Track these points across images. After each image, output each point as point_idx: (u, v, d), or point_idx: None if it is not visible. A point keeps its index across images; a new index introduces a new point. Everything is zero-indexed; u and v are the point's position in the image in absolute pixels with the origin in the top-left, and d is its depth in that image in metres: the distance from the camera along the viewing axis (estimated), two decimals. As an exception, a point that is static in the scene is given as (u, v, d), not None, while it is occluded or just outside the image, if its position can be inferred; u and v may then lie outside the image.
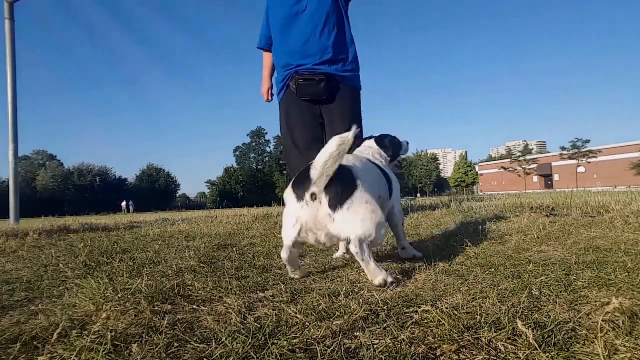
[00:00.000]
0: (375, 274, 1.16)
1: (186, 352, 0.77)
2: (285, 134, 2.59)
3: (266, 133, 62.79)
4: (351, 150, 1.65)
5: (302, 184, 1.16)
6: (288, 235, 1.19)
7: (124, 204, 35.97)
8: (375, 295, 1.07)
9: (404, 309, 0.95)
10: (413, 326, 0.84)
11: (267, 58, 2.72)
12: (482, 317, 0.85)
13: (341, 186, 1.15)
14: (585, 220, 2.36)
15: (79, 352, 0.76)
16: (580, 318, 0.84)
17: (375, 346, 0.75)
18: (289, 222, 1.19)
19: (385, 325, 0.85)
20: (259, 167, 61.72)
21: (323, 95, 2.44)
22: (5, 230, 3.58)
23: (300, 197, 1.16)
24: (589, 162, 45.99)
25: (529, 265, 1.31)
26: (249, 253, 1.83)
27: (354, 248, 1.13)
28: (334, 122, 2.50)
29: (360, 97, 2.62)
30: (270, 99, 2.76)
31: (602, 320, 0.78)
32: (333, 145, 1.08)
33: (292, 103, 2.52)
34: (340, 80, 2.49)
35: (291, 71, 2.47)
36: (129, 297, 1.09)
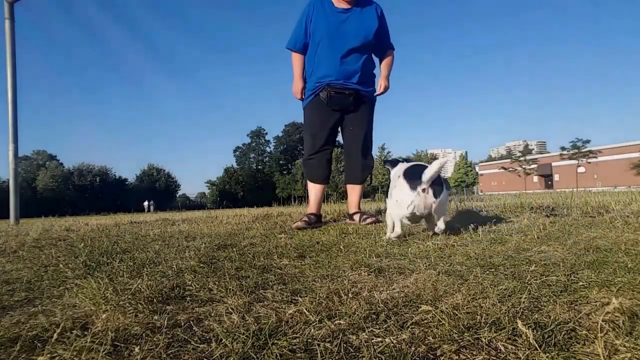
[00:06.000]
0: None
1: (186, 352, 0.77)
2: (307, 134, 2.99)
3: (266, 133, 62.86)
4: None
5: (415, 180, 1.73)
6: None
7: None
8: (376, 295, 1.07)
9: (404, 309, 0.95)
10: (413, 326, 0.84)
11: (299, 59, 2.99)
12: (482, 317, 0.85)
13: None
14: (585, 220, 2.35)
15: (79, 352, 0.76)
16: (580, 318, 0.84)
17: (376, 346, 0.75)
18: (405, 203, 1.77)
19: (385, 325, 0.85)
20: (259, 167, 61.74)
21: (351, 107, 2.89)
22: (5, 230, 3.58)
23: (413, 188, 1.74)
24: (589, 162, 46.01)
25: (529, 265, 1.31)
26: (249, 253, 1.83)
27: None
28: (354, 128, 2.95)
29: (374, 108, 3.06)
30: (302, 97, 3.03)
31: (602, 320, 0.78)
32: (437, 165, 1.69)
33: (318, 110, 2.91)
34: (364, 95, 2.93)
35: (323, 83, 2.85)
36: (129, 297, 1.09)
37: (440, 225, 1.85)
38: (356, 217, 2.98)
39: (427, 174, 1.69)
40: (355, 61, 2.85)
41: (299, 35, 2.91)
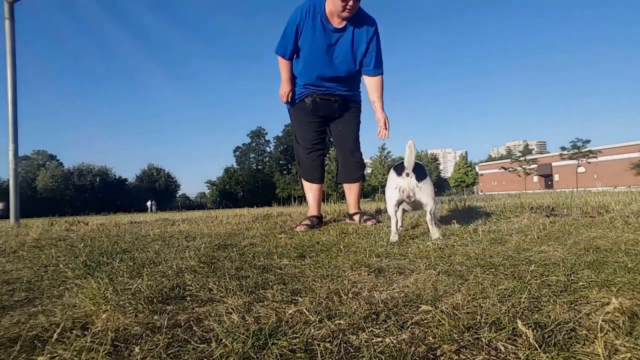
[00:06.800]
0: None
1: (186, 352, 0.77)
2: (295, 136, 3.04)
3: (266, 133, 62.83)
4: None
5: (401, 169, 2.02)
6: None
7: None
8: (376, 295, 1.07)
9: (404, 309, 0.95)
10: (413, 326, 0.84)
11: (286, 65, 2.86)
12: (482, 317, 0.85)
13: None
14: (585, 220, 2.35)
15: (79, 352, 0.76)
16: (580, 318, 0.84)
17: (376, 346, 0.75)
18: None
19: (385, 325, 0.85)
20: (259, 167, 61.71)
21: (336, 113, 2.89)
22: (5, 230, 3.58)
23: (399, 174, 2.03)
24: (589, 162, 46.01)
25: (529, 265, 1.31)
26: (249, 253, 1.83)
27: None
28: (342, 128, 2.97)
29: (361, 108, 3.04)
30: (289, 100, 2.93)
31: (602, 320, 0.78)
32: (407, 149, 1.95)
33: (304, 112, 2.91)
34: (350, 99, 2.93)
35: (309, 90, 2.82)
36: (129, 297, 1.09)
37: (434, 234, 2.01)
38: (356, 218, 2.97)
39: (406, 160, 1.99)
40: (341, 83, 2.83)
41: (288, 43, 2.76)
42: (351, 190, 3.05)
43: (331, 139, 3.16)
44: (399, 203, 2.09)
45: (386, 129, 2.77)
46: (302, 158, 2.99)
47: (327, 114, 2.89)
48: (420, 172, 2.02)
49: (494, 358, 0.69)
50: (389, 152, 52.45)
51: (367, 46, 2.71)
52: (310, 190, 3.00)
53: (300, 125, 2.95)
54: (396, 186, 2.04)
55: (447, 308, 0.91)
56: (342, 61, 2.73)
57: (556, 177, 54.30)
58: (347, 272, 1.37)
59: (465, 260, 1.47)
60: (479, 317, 0.85)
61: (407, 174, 2.00)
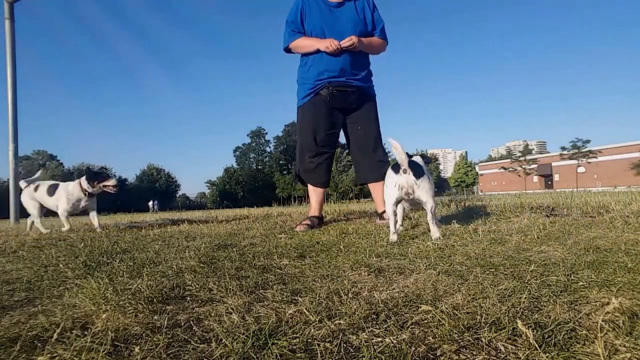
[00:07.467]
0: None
1: (186, 352, 0.77)
2: (306, 134, 2.91)
3: (266, 133, 62.92)
4: None
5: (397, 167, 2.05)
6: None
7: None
8: (376, 295, 1.07)
9: (404, 309, 0.95)
10: (413, 326, 0.84)
11: (305, 38, 2.84)
12: (482, 317, 0.85)
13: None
14: (585, 220, 2.35)
15: (79, 352, 0.76)
16: (580, 318, 0.84)
17: (376, 346, 0.75)
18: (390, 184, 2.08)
19: (385, 325, 0.85)
20: (259, 167, 61.75)
21: (353, 104, 2.85)
22: (5, 230, 3.58)
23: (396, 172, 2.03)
24: (589, 162, 46.04)
25: (529, 265, 1.31)
26: (249, 253, 1.83)
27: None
28: (363, 126, 2.92)
29: (376, 104, 3.03)
30: (339, 46, 2.70)
31: (602, 320, 0.78)
32: (395, 144, 1.97)
33: (319, 108, 2.85)
34: (366, 92, 2.91)
35: (324, 82, 2.79)
36: (129, 297, 1.09)
37: (434, 234, 2.01)
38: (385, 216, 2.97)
39: (397, 158, 2.01)
40: (354, 59, 2.80)
41: (296, 21, 2.83)
42: (376, 188, 2.99)
43: (341, 142, 3.12)
44: (398, 201, 2.10)
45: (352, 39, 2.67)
46: (306, 160, 2.93)
47: (345, 106, 2.85)
48: (417, 169, 2.03)
49: (494, 358, 0.69)
50: (389, 152, 52.44)
51: (372, 16, 2.85)
52: (315, 192, 2.98)
53: (313, 123, 2.87)
54: (395, 184, 2.04)
55: (447, 308, 0.91)
56: (352, 31, 2.76)
57: (556, 177, 54.33)
58: (347, 272, 1.37)
59: (465, 260, 1.47)
60: (479, 317, 0.85)
61: (405, 171, 2.01)
